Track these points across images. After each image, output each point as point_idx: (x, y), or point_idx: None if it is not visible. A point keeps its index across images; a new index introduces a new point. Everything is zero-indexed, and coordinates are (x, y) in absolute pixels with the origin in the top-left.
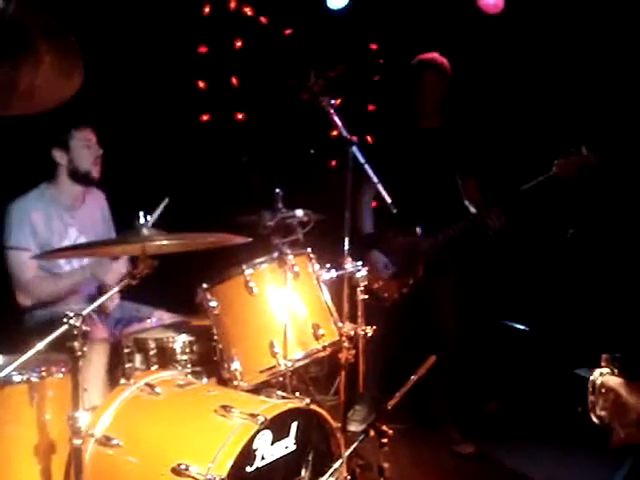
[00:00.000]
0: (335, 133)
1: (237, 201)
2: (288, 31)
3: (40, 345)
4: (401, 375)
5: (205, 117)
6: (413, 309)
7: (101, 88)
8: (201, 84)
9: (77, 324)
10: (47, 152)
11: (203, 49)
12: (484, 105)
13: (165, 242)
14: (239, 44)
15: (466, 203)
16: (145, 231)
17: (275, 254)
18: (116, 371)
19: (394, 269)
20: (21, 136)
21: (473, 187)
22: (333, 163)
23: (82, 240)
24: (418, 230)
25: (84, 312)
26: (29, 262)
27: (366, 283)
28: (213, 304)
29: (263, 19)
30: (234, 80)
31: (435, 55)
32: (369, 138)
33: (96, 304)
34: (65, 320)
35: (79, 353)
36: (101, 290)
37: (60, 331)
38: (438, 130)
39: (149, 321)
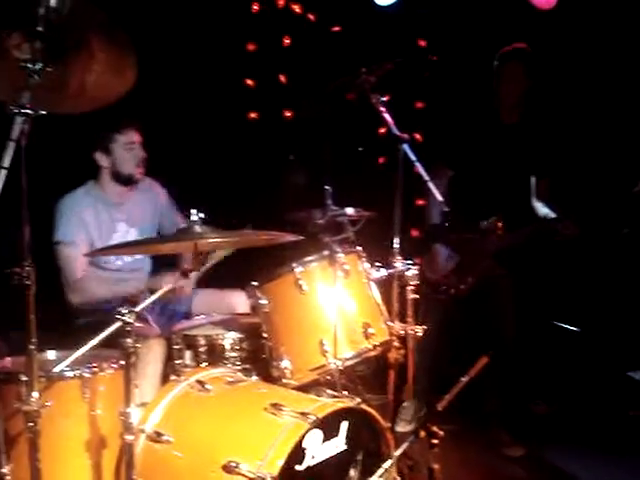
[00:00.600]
0: (383, 131)
1: (284, 199)
2: (336, 28)
3: (95, 341)
4: (452, 374)
5: (253, 115)
6: (471, 307)
7: (150, 86)
8: (249, 82)
9: (130, 321)
10: (89, 154)
11: (252, 47)
12: (563, 104)
13: (217, 239)
14: (287, 41)
15: (535, 203)
16: (197, 228)
17: (325, 252)
18: (165, 367)
19: (456, 264)
20: (67, 135)
21: (545, 188)
22: (381, 161)
23: (132, 233)
24: (484, 224)
25: (137, 309)
26: (79, 258)
27: (417, 282)
28: (263, 302)
29: (311, 16)
30: (282, 78)
31: (519, 45)
32: (418, 136)
33: (149, 301)
34: (118, 317)
35: (131, 350)
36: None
37: (113, 328)
38: (517, 126)
39: (198, 318)
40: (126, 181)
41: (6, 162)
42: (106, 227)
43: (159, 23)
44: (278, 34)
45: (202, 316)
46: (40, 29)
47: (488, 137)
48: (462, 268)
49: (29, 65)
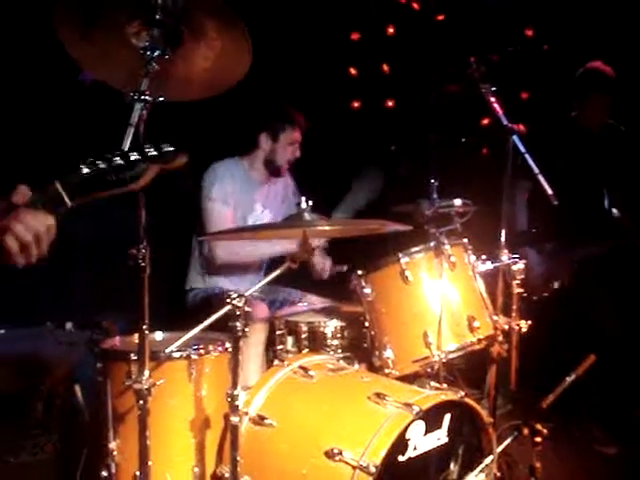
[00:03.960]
0: (486, 121)
1: (386, 190)
2: (440, 17)
3: (206, 323)
4: (552, 373)
5: (356, 104)
6: (571, 307)
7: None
8: (353, 71)
9: (240, 304)
10: (253, 131)
11: (355, 36)
12: None
13: (326, 227)
14: (391, 30)
15: (615, 214)
16: (307, 216)
17: (432, 243)
18: (266, 352)
19: (543, 269)
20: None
21: (620, 200)
22: (484, 152)
23: (266, 215)
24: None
25: (247, 293)
26: (229, 217)
27: (522, 276)
28: (367, 291)
29: (415, 5)
30: (385, 67)
31: (604, 69)
32: (522, 127)
33: (259, 286)
34: (228, 300)
35: (240, 333)
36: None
37: (223, 311)
38: (596, 135)
39: (300, 305)
40: (273, 171)
41: (125, 146)
42: (246, 203)
43: (265, 12)
44: (382, 23)
45: (305, 303)
46: (158, 17)
47: (572, 141)
48: (548, 274)
49: (148, 52)
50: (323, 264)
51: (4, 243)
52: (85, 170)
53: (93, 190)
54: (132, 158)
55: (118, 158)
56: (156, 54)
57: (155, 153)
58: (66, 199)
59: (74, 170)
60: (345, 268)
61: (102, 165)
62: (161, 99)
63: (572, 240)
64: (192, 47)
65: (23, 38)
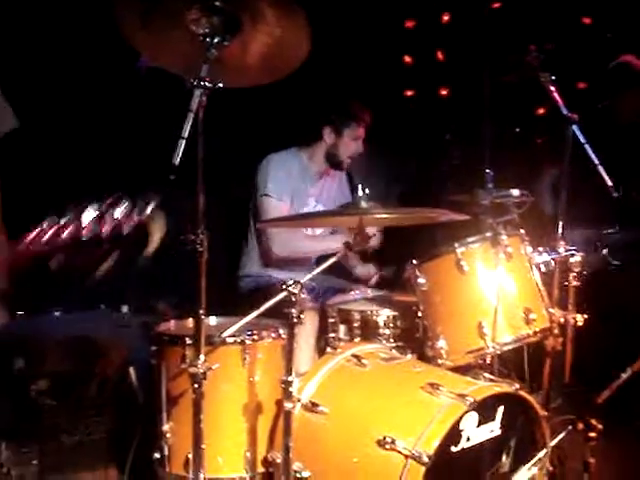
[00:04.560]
0: (542, 111)
1: (439, 179)
2: (496, 5)
3: (262, 309)
4: (605, 368)
5: (409, 92)
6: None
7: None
8: (407, 59)
9: (296, 291)
10: (317, 124)
11: (410, 23)
12: None
13: (383, 215)
14: (446, 18)
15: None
16: (363, 204)
17: (488, 233)
18: (319, 340)
19: None
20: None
21: None
22: (539, 142)
23: (321, 208)
24: None
25: (303, 280)
26: (285, 211)
27: (580, 269)
28: (422, 281)
29: None
30: (440, 55)
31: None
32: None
33: (314, 273)
34: (284, 287)
35: (296, 320)
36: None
37: (279, 297)
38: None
39: (352, 293)
40: (334, 165)
41: (185, 132)
42: (301, 196)
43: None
44: (437, 11)
45: (357, 291)
46: (217, 3)
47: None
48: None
49: (207, 39)
50: (368, 273)
51: None
52: None
53: None
54: None
55: None
56: (215, 41)
57: None
58: None
59: None
60: (386, 272)
61: None
62: (220, 85)
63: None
64: (250, 33)
65: (84, 30)
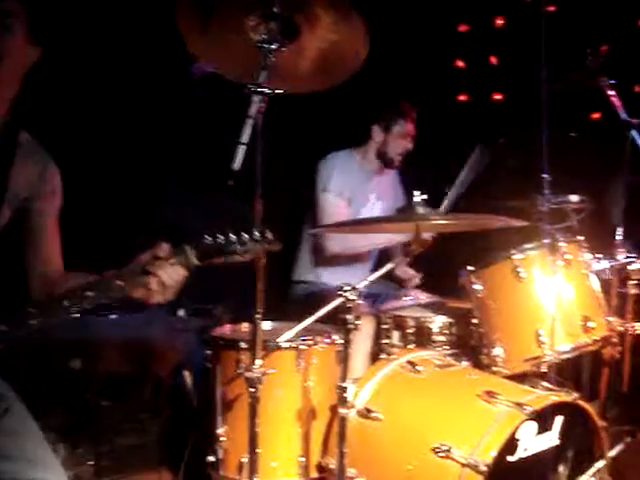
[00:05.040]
0: (597, 115)
1: (494, 183)
2: (551, 8)
3: (318, 314)
4: None
5: (462, 97)
6: None
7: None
8: (460, 63)
9: (352, 297)
10: (366, 123)
11: (463, 28)
12: None
13: (440, 221)
14: (500, 22)
15: None
16: (420, 210)
17: (546, 240)
18: (373, 346)
19: None
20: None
21: None
22: (594, 147)
23: (378, 206)
24: None
25: (359, 286)
26: (343, 209)
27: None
28: (477, 287)
29: None
30: (493, 59)
31: None
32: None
33: (370, 279)
34: (341, 293)
35: (351, 326)
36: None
37: (336, 303)
38: None
39: (406, 299)
40: (386, 162)
41: (245, 138)
42: (361, 193)
43: (374, 3)
44: (491, 15)
45: (410, 298)
46: (276, 10)
47: None
48: None
49: (265, 45)
50: (409, 275)
51: (149, 284)
52: (209, 240)
53: (214, 256)
54: (244, 238)
55: (234, 236)
56: (274, 47)
57: (260, 238)
58: (195, 260)
59: (200, 238)
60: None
61: (220, 239)
62: (279, 91)
63: None
64: (308, 39)
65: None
